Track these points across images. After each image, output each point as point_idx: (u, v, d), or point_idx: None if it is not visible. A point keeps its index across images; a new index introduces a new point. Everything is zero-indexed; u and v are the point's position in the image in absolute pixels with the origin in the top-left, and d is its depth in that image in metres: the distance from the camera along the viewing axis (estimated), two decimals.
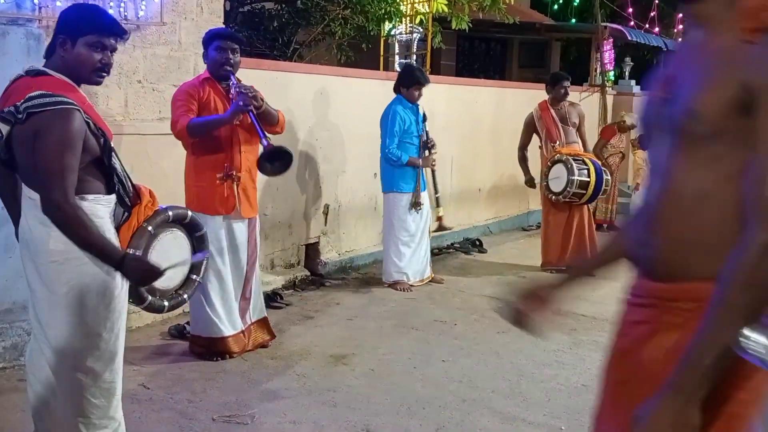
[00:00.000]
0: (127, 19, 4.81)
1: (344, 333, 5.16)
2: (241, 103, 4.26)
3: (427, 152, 6.39)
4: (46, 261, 2.64)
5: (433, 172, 6.50)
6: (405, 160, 6.25)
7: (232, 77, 4.42)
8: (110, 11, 4.68)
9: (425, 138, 6.38)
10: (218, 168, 4.44)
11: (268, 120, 4.49)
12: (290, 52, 8.69)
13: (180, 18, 5.26)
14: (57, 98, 2.55)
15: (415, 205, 6.34)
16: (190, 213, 3.03)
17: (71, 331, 2.67)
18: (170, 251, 2.92)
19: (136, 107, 5.04)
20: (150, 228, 2.83)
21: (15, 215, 2.78)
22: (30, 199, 2.63)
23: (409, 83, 6.33)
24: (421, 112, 6.43)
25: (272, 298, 5.71)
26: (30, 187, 2.63)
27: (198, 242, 3.08)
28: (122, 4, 4.73)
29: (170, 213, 2.93)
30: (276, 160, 4.37)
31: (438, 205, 6.54)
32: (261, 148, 4.36)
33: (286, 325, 5.25)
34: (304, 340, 4.99)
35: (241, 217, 4.56)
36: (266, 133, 4.35)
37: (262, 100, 4.43)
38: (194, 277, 3.10)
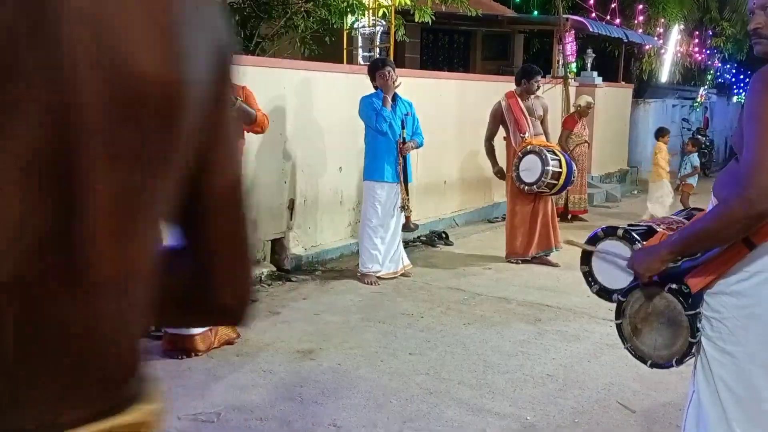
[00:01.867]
0: None
1: (310, 328, 5.15)
2: None
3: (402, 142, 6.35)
4: None
5: (407, 171, 6.46)
6: (382, 122, 6.23)
7: None
8: None
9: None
10: None
11: (242, 118, 4.46)
12: (252, 45, 8.60)
13: None
14: None
15: (403, 208, 6.36)
16: None
17: None
18: None
19: None
20: None
21: None
22: None
23: (374, 72, 6.35)
24: (401, 105, 6.42)
25: None
26: None
27: None
28: None
29: None
30: None
31: (406, 207, 6.53)
32: None
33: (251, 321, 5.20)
34: (270, 335, 4.96)
35: None
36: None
37: (237, 98, 4.40)
38: None
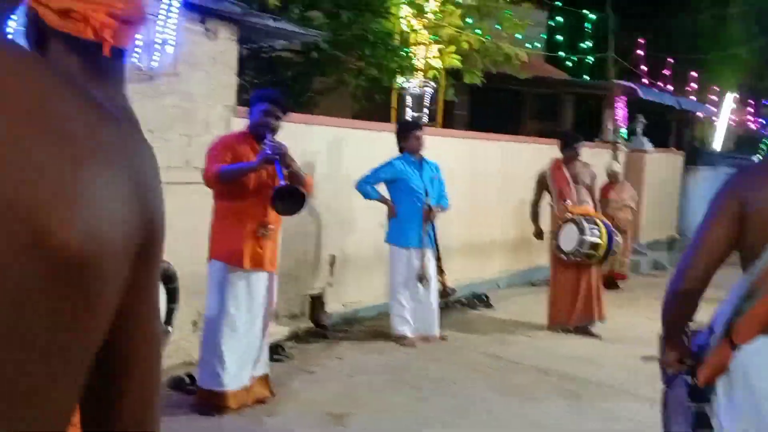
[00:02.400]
0: (140, 69, 4.86)
1: (343, 390, 5.09)
2: (269, 152, 4.33)
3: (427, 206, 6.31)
4: None
5: (435, 236, 6.42)
6: (373, 196, 6.25)
7: (267, 135, 4.46)
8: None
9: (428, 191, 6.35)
10: (251, 220, 4.47)
11: (296, 180, 4.54)
12: (304, 100, 8.76)
13: (192, 69, 5.31)
14: None
15: (421, 279, 6.29)
16: (167, 264, 3.05)
17: None
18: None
19: None
20: None
21: None
22: None
23: (404, 134, 6.37)
24: (433, 171, 6.42)
25: (274, 350, 5.64)
26: None
27: (170, 294, 3.10)
28: (135, 55, 4.78)
29: (164, 265, 2.94)
30: (288, 199, 4.38)
31: (441, 272, 6.46)
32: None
33: (285, 380, 5.18)
34: (302, 396, 4.92)
35: (263, 270, 4.58)
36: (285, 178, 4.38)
37: (293, 160, 4.49)
38: (168, 327, 3.10)
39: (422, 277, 6.33)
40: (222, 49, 5.57)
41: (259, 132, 4.51)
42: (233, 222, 4.46)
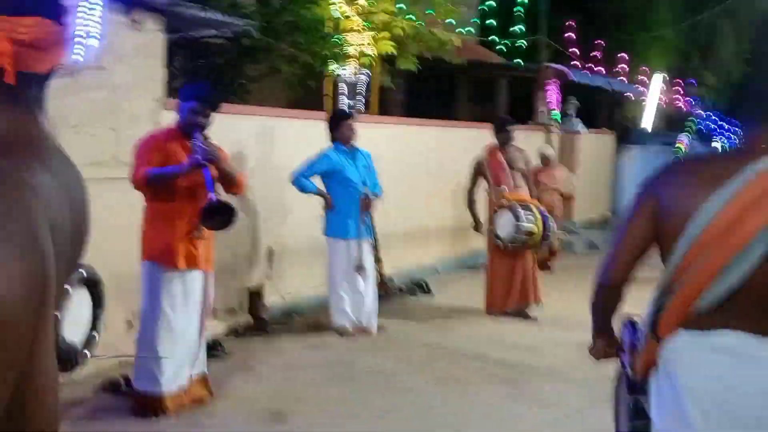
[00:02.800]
0: (62, 64, 4.67)
1: (283, 386, 5.05)
2: (199, 157, 4.23)
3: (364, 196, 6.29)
4: None
5: (372, 225, 6.40)
6: (310, 189, 6.21)
7: (195, 134, 4.34)
8: None
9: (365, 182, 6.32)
10: (184, 221, 4.37)
11: (227, 180, 4.47)
12: (237, 87, 8.59)
13: (117, 61, 5.15)
14: None
15: (359, 269, 6.26)
16: (90, 268, 2.95)
17: None
18: (78, 310, 2.84)
19: (70, 154, 4.89)
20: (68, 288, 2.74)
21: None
22: None
23: (335, 124, 6.33)
24: (361, 157, 6.37)
25: (212, 348, 5.55)
26: None
27: (95, 298, 3.01)
28: None
29: (83, 271, 2.86)
30: (217, 216, 4.29)
31: (378, 261, 6.46)
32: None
33: (224, 378, 5.11)
34: (242, 394, 4.87)
35: (198, 269, 4.49)
36: (215, 188, 4.28)
37: (224, 160, 4.41)
38: (94, 333, 3.01)
39: (360, 267, 6.31)
40: (148, 41, 5.41)
41: (188, 130, 4.40)
42: (165, 223, 4.36)
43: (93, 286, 3.01)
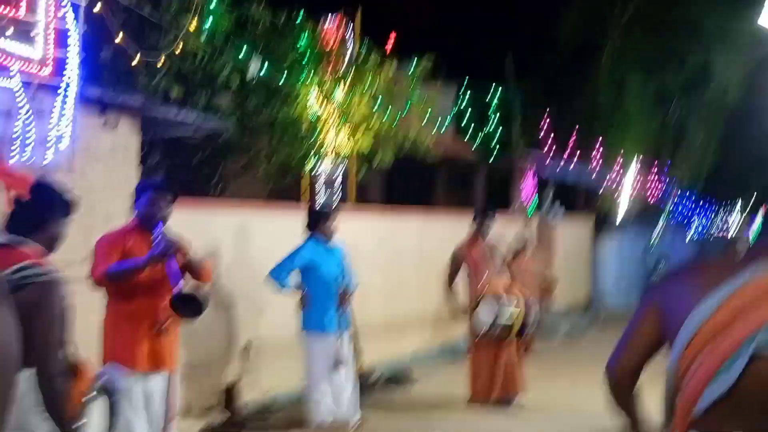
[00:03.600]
0: (31, 167, 4.71)
1: None
2: (158, 250, 4.16)
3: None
4: None
5: (351, 318, 6.32)
6: (286, 286, 6.06)
7: (157, 226, 4.31)
8: (11, 160, 4.60)
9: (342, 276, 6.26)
10: (146, 318, 4.29)
11: (193, 270, 4.45)
12: (213, 184, 8.67)
13: (91, 162, 5.20)
14: (49, 269, 2.69)
15: (337, 364, 6.08)
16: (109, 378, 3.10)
17: None
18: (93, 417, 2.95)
19: None
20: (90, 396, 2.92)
21: None
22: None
23: (316, 221, 6.19)
24: (337, 251, 6.32)
25: None
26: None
27: (113, 406, 3.06)
28: (25, 152, 4.63)
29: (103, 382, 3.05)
30: (186, 306, 4.24)
31: (357, 352, 6.36)
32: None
33: None
34: None
35: (162, 371, 4.37)
36: (182, 277, 4.23)
37: (186, 251, 4.40)
38: None
39: (339, 362, 6.19)
40: (123, 141, 5.48)
41: (150, 223, 4.34)
42: (127, 322, 4.27)
43: (110, 395, 2.99)
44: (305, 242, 6.24)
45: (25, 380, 2.60)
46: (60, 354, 2.66)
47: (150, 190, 4.42)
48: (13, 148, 4.63)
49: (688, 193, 20.71)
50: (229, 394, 6.45)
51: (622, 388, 2.32)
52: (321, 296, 6.11)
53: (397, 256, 8.93)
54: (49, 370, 2.62)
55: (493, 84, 13.51)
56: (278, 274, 6.07)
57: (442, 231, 9.35)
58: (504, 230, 10.60)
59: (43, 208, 3.00)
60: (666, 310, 2.19)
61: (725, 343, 2.01)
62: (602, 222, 15.94)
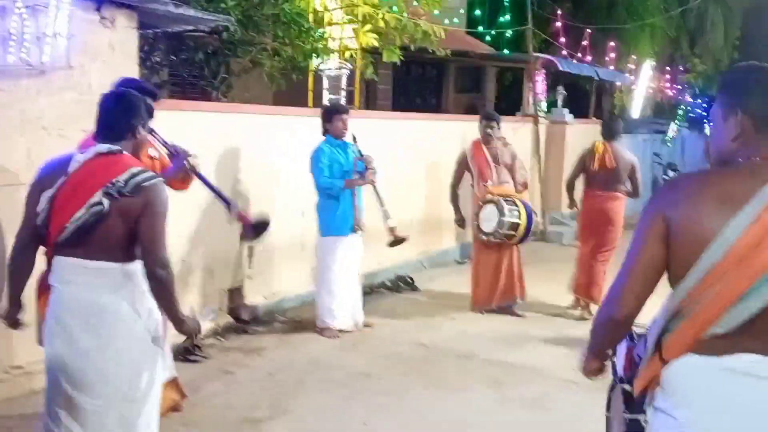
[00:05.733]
0: (30, 64, 4.54)
1: (263, 391, 4.94)
2: (181, 158, 4.21)
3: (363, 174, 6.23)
4: (125, 323, 2.92)
5: (374, 188, 6.28)
6: (341, 184, 6.11)
7: (154, 132, 4.21)
8: (10, 57, 4.43)
9: (359, 157, 6.23)
10: None
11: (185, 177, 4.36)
12: (218, 82, 8.44)
13: (90, 60, 4.99)
14: (154, 174, 3.01)
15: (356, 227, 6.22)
16: None
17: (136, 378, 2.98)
18: None
19: (40, 156, 4.75)
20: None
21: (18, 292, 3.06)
22: (97, 269, 2.90)
23: (329, 117, 6.23)
24: (353, 149, 6.30)
25: (189, 351, 5.45)
26: (112, 257, 2.89)
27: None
28: (23, 49, 4.45)
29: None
30: (255, 231, 4.83)
31: (388, 217, 6.33)
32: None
33: (202, 382, 5.00)
34: (219, 399, 4.76)
35: None
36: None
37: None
38: None
39: (358, 227, 6.26)
40: (121, 38, 5.24)
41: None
42: None
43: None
44: (320, 144, 6.17)
45: (137, 272, 2.93)
46: (164, 248, 2.91)
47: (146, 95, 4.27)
48: (10, 45, 4.43)
49: (703, 96, 20.28)
50: (233, 297, 6.45)
51: (624, 324, 2.12)
52: (338, 202, 6.12)
53: (402, 161, 8.77)
54: (156, 263, 2.87)
55: None
56: (327, 182, 6.09)
57: (450, 134, 9.15)
58: (514, 134, 10.40)
59: (132, 114, 3.11)
60: (676, 228, 1.99)
61: (757, 262, 1.89)
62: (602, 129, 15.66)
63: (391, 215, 6.35)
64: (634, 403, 2.29)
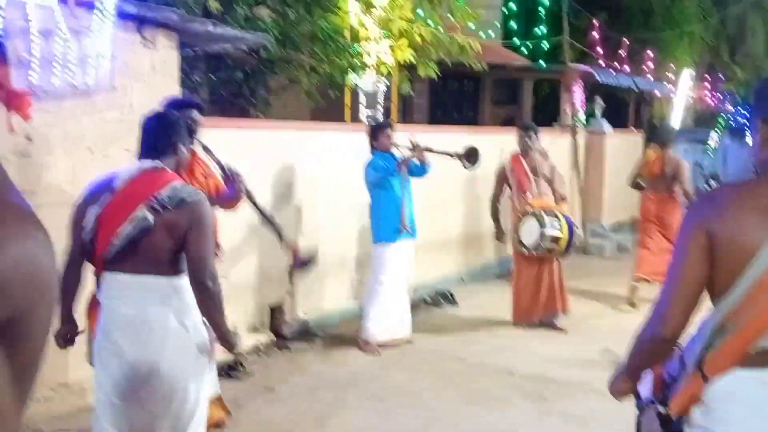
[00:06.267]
0: (74, 86, 4.63)
1: (306, 407, 4.94)
2: (236, 184, 4.35)
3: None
4: (173, 337, 2.95)
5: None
6: (392, 167, 6.17)
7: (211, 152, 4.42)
8: (55, 79, 4.53)
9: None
10: None
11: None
12: (256, 100, 8.54)
13: (132, 81, 5.08)
14: (196, 189, 3.09)
15: (402, 228, 6.24)
16: None
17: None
18: None
19: (85, 175, 4.84)
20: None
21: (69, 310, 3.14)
22: (144, 283, 2.94)
23: (375, 134, 6.30)
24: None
25: (233, 368, 5.48)
26: (159, 271, 2.94)
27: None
28: (68, 71, 4.54)
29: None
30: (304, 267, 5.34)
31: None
32: None
33: (245, 400, 5.02)
34: (262, 416, 4.77)
35: None
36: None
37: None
38: None
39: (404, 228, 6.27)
40: (162, 58, 5.33)
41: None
42: None
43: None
44: (372, 157, 6.22)
45: (184, 286, 2.97)
46: (212, 262, 2.95)
47: (189, 107, 4.39)
48: (54, 67, 4.53)
49: (745, 105, 19.93)
50: (275, 314, 6.48)
51: (667, 344, 2.06)
52: (388, 207, 6.22)
53: (440, 174, 8.75)
54: (205, 277, 2.90)
55: None
56: (380, 168, 6.15)
57: (489, 147, 9.11)
58: (552, 145, 10.32)
59: (172, 132, 3.16)
60: (719, 240, 1.94)
61: None
62: (653, 135, 15.47)
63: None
64: (671, 424, 2.18)
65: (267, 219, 4.67)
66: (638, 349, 2.15)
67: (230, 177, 4.32)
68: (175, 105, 4.44)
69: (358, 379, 5.53)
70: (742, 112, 20.08)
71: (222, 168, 4.36)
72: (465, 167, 6.31)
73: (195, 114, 4.47)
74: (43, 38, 4.53)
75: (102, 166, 4.93)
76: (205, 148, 4.48)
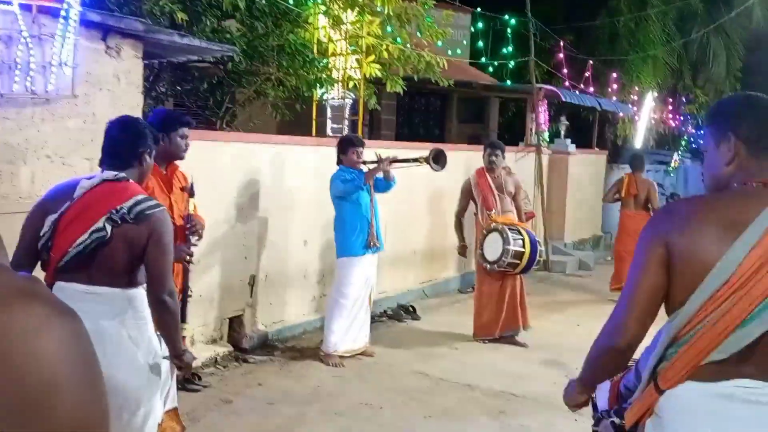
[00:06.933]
0: (35, 93, 4.59)
1: (263, 421, 4.91)
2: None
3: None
4: (126, 352, 2.92)
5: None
6: (360, 180, 6.16)
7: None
8: (15, 86, 4.48)
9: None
10: None
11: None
12: (222, 111, 8.50)
13: (95, 89, 5.04)
14: (158, 203, 3.02)
15: (371, 243, 6.25)
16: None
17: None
18: None
19: (44, 183, 4.78)
20: None
21: None
22: (98, 294, 2.90)
23: (344, 149, 6.30)
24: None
25: (189, 380, 5.42)
26: (113, 282, 2.90)
27: None
28: (29, 78, 4.50)
29: None
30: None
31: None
32: None
33: (201, 412, 4.97)
34: (218, 430, 4.72)
35: None
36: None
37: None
38: None
39: (373, 242, 6.30)
40: (126, 68, 5.30)
41: (180, 156, 4.45)
42: None
43: None
44: (337, 172, 6.23)
45: (138, 297, 2.97)
46: (171, 277, 2.96)
47: (182, 126, 4.38)
48: (15, 74, 4.48)
49: (703, 129, 20.34)
50: (234, 326, 6.44)
51: (625, 354, 2.07)
52: (353, 221, 6.23)
53: (405, 189, 8.79)
54: (163, 292, 2.91)
55: (509, 10, 13.11)
56: (345, 182, 6.15)
57: (455, 163, 9.17)
58: (516, 163, 10.44)
59: (136, 143, 3.10)
60: (677, 254, 1.96)
61: (758, 287, 1.86)
62: (616, 154, 15.72)
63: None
64: None
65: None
66: (594, 359, 2.16)
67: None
68: (166, 121, 4.41)
69: (318, 393, 5.51)
70: (704, 134, 20.49)
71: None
72: (434, 169, 6.45)
73: (186, 131, 4.45)
74: (5, 44, 4.49)
75: (62, 174, 4.88)
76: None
